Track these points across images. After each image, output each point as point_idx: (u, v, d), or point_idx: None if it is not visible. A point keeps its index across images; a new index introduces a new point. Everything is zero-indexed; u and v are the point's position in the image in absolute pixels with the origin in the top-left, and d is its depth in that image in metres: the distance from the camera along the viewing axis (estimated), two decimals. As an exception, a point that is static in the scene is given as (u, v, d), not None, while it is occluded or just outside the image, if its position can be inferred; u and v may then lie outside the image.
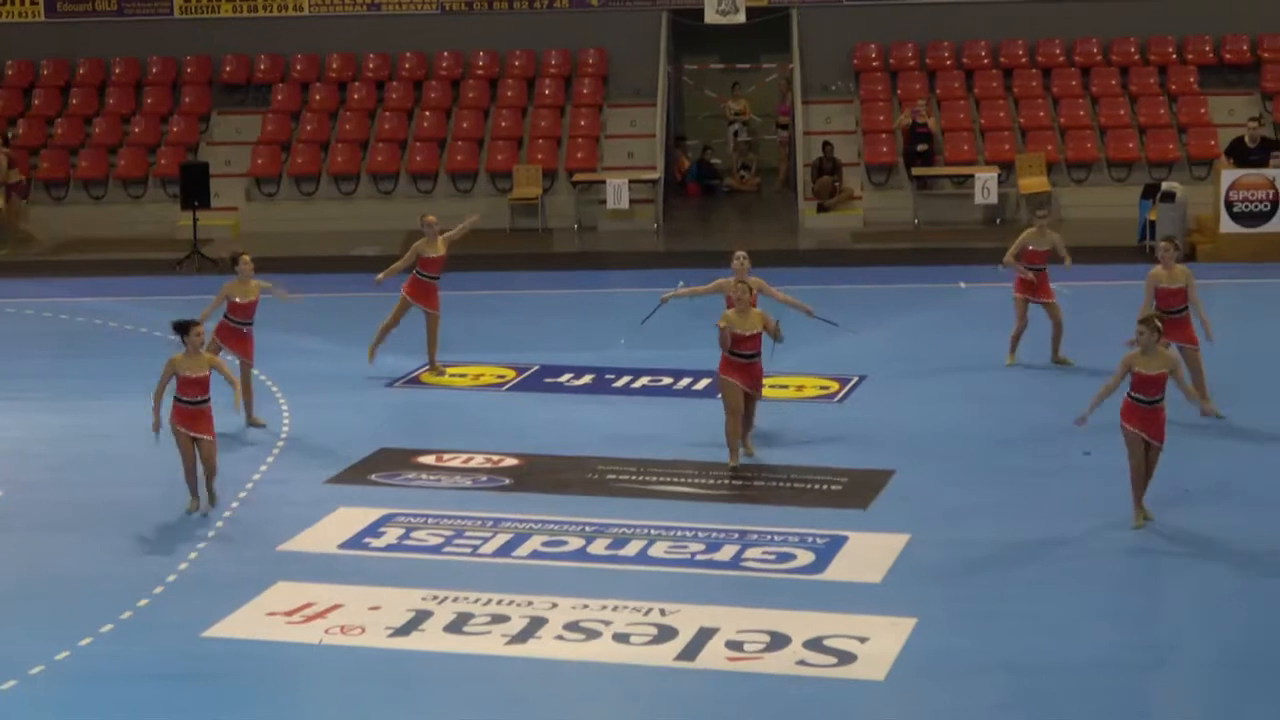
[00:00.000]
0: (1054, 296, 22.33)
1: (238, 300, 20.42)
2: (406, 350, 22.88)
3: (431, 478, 18.40)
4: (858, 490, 17.65)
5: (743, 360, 18.30)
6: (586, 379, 22.47)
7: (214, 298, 20.66)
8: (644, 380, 22.30)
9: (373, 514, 17.09)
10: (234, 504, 17.44)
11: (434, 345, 22.64)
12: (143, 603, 14.88)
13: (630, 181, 33.69)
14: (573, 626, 14.16)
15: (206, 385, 17.33)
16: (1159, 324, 16.21)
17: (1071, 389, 20.95)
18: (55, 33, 37.24)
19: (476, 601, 14.68)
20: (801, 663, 13.44)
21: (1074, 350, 22.33)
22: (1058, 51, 36.39)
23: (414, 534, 16.54)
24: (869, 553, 15.81)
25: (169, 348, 24.29)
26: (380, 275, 22.72)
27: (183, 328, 17.36)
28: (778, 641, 13.78)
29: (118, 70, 37.39)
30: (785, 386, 21.19)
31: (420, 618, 14.39)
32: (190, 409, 17.27)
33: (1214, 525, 16.19)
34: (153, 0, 37.06)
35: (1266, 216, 29.55)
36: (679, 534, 16.35)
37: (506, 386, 22.26)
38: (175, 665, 13.61)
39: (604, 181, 33.86)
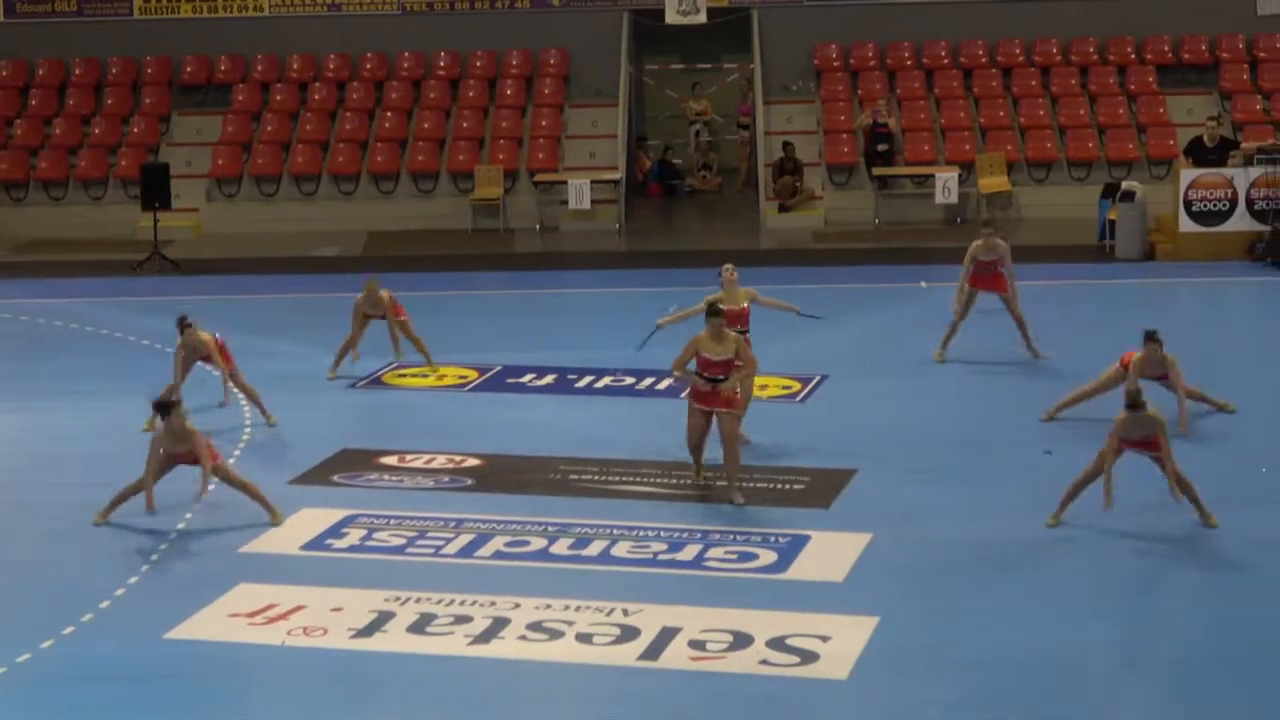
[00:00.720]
0: (1010, 292, 22.44)
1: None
2: (368, 351, 22.85)
3: (394, 478, 18.39)
4: (820, 490, 17.69)
5: (710, 384, 17.35)
6: (549, 379, 22.47)
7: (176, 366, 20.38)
8: (606, 380, 22.31)
9: (335, 515, 17.07)
10: (196, 505, 17.38)
11: (418, 343, 22.59)
12: (105, 604, 14.84)
13: (592, 182, 33.70)
14: (535, 626, 14.17)
15: (196, 457, 16.81)
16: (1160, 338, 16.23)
17: (1031, 388, 21.06)
18: (14, 33, 37.10)
19: (439, 602, 14.68)
20: (764, 662, 13.46)
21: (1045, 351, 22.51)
22: (1017, 52, 36.51)
23: (376, 535, 16.53)
24: (831, 552, 15.85)
25: (129, 349, 24.36)
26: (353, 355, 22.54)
27: (164, 409, 16.94)
28: (740, 641, 13.80)
29: (77, 71, 37.25)
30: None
31: (383, 619, 14.38)
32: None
33: (1176, 525, 16.24)
34: (112, 1, 36.96)
35: (1225, 216, 29.67)
36: (642, 534, 16.37)
37: (469, 387, 22.25)
38: (138, 667, 13.58)
39: (565, 182, 33.86)
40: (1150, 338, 18.19)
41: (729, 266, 19.52)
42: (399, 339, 22.52)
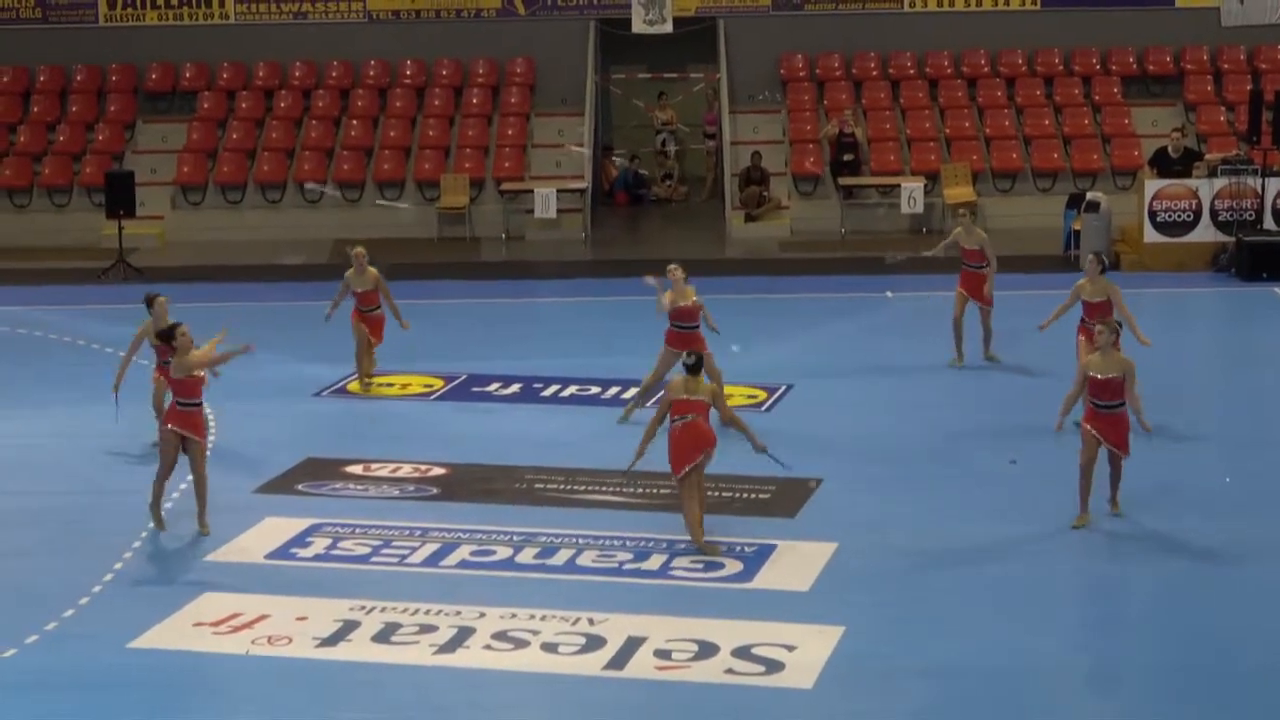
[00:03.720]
0: (990, 302, 22.56)
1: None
2: (333, 360, 22.81)
3: (359, 487, 18.36)
4: (785, 499, 17.71)
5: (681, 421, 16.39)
6: (514, 388, 22.46)
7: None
8: (572, 389, 22.31)
9: (300, 524, 17.04)
10: (161, 514, 17.34)
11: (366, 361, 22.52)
12: (69, 613, 14.80)
13: (558, 191, 33.68)
14: (501, 636, 14.16)
15: (200, 387, 17.06)
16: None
17: (997, 396, 21.13)
18: (-22, 40, 37.00)
19: (404, 611, 14.66)
20: (730, 671, 13.48)
21: (1001, 356, 22.57)
22: (982, 62, 36.59)
23: (341, 544, 16.51)
24: (797, 561, 15.87)
25: (93, 356, 24.28)
26: (328, 310, 22.53)
27: (167, 334, 17.30)
28: (706, 650, 13.81)
29: (42, 78, 37.10)
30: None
31: (348, 628, 14.36)
32: (185, 411, 16.94)
33: (1144, 530, 16.33)
34: (78, 7, 36.85)
35: (1189, 226, 29.77)
36: (607, 543, 16.37)
37: (434, 396, 22.23)
38: (102, 676, 13.55)
39: (531, 191, 33.84)
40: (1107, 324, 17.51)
41: (674, 266, 20.36)
42: (397, 310, 22.39)
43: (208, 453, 17.14)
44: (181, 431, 16.84)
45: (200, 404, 17.13)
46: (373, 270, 22.32)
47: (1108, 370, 16.25)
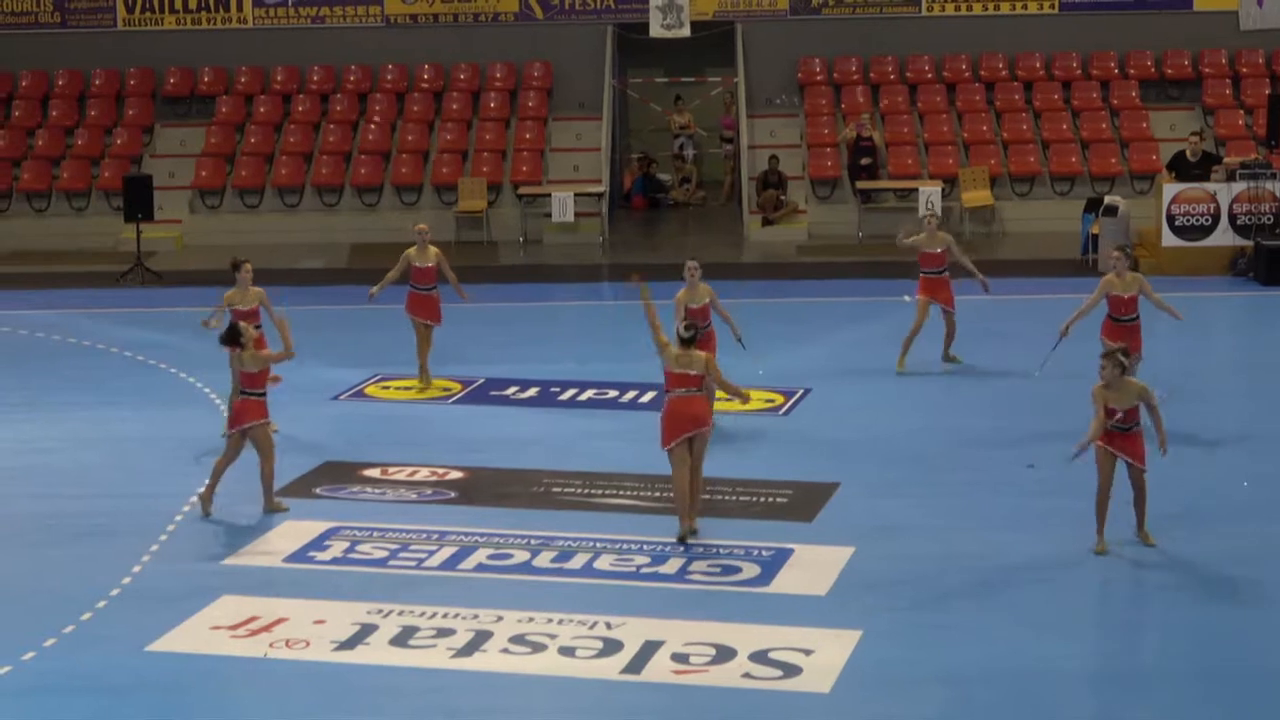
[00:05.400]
0: (953, 305, 22.52)
1: (240, 308, 20.40)
2: (351, 363, 22.83)
3: (377, 491, 18.37)
4: (803, 503, 17.69)
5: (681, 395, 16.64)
6: (532, 392, 22.47)
7: (214, 306, 20.52)
8: (589, 393, 22.32)
9: (318, 527, 17.05)
10: (178, 517, 17.38)
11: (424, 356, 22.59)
12: (86, 616, 14.81)
13: (575, 194, 33.69)
14: (518, 639, 14.16)
15: (264, 380, 17.75)
16: (1121, 358, 15.97)
17: (1014, 400, 21.10)
18: (-3, 44, 37.09)
19: (422, 615, 14.66)
20: (747, 675, 13.47)
21: (1014, 362, 22.48)
22: (1000, 66, 36.56)
23: (359, 547, 16.51)
24: (814, 565, 15.85)
25: (111, 359, 24.33)
26: (374, 289, 22.60)
27: (231, 336, 17.56)
28: (723, 654, 13.80)
29: (60, 82, 37.21)
30: (730, 399, 21.18)
31: (365, 631, 14.36)
32: (252, 400, 17.65)
33: (1163, 534, 16.26)
34: (96, 12, 36.93)
35: (1208, 230, 29.73)
36: (624, 547, 16.36)
37: (452, 399, 22.24)
38: (119, 679, 13.55)
39: (549, 194, 33.86)
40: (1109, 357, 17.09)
41: (693, 262, 20.08)
42: (458, 284, 22.51)
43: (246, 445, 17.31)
44: (246, 423, 17.46)
45: (264, 394, 17.71)
46: (434, 247, 22.40)
47: (1123, 402, 15.91)
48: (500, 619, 14.53)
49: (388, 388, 22.64)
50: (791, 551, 16.18)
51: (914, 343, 22.82)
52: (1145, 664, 13.97)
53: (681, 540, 16.37)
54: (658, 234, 36.74)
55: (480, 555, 16.24)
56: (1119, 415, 15.86)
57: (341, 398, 22.30)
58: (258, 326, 19.10)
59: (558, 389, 22.53)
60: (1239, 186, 29.71)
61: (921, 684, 13.32)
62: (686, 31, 35.39)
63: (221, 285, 24.31)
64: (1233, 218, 29.69)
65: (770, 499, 17.86)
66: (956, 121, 35.71)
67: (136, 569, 16.00)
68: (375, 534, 16.84)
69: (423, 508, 17.76)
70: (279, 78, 37.08)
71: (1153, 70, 36.24)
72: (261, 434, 17.51)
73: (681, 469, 16.45)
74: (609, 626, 14.35)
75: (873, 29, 36.58)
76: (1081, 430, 16.57)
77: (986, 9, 36.44)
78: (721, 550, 16.22)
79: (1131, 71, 36.21)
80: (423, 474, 18.89)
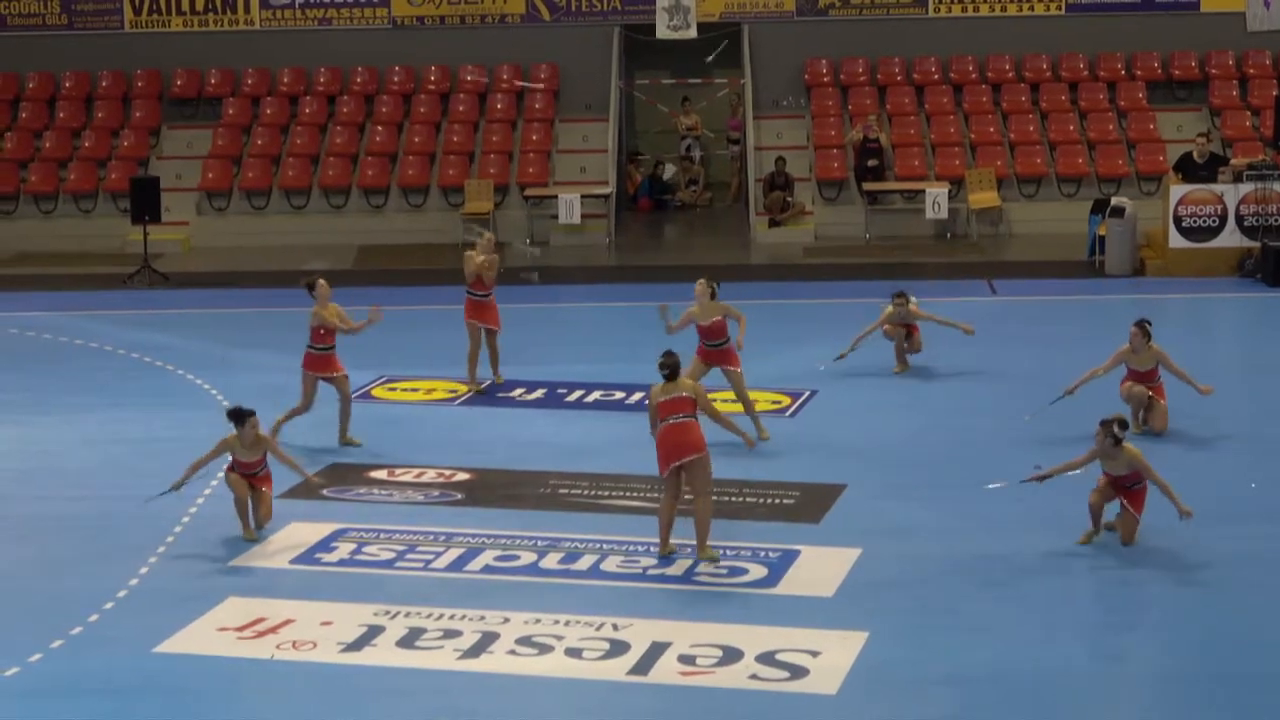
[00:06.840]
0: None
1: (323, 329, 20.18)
2: (357, 365, 22.80)
3: (383, 492, 18.38)
4: (810, 504, 17.69)
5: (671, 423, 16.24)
6: (538, 393, 22.47)
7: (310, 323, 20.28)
8: (596, 395, 22.31)
9: (325, 529, 17.06)
10: (185, 519, 17.38)
11: (494, 360, 22.66)
12: (93, 618, 14.82)
13: (582, 196, 33.69)
14: (525, 641, 14.16)
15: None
16: (1116, 431, 15.91)
17: (1022, 403, 21.04)
18: (4, 46, 37.06)
19: (428, 616, 14.66)
20: (754, 677, 13.46)
21: (1021, 364, 22.47)
22: (1007, 67, 36.56)
23: (366, 549, 16.52)
24: (821, 567, 15.84)
25: (119, 361, 24.33)
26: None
27: (238, 417, 17.05)
28: (730, 656, 13.80)
29: (67, 84, 37.25)
30: (737, 401, 21.18)
31: (372, 633, 14.36)
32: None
33: (1169, 537, 16.25)
34: (103, 14, 36.96)
35: (1215, 231, 29.71)
36: (631, 548, 16.36)
37: (459, 401, 22.24)
38: (126, 680, 13.56)
39: (556, 196, 33.86)
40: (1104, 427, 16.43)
41: (702, 281, 20.11)
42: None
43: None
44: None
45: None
46: (495, 256, 22.55)
47: (1117, 469, 16.11)
48: (507, 620, 14.53)
49: (394, 389, 22.64)
50: (798, 553, 16.18)
51: (919, 345, 22.85)
52: (1152, 666, 13.95)
53: (663, 557, 16.18)
54: (664, 236, 36.75)
55: (487, 557, 16.24)
56: (1115, 484, 16.18)
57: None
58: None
59: (564, 390, 22.53)
60: (1246, 187, 29.68)
61: (929, 685, 13.31)
62: (693, 33, 35.38)
63: (229, 288, 24.55)
64: (1240, 219, 29.66)
65: (777, 500, 17.85)
66: (963, 123, 35.71)
67: (143, 571, 16.01)
68: (382, 535, 16.84)
69: (430, 509, 17.76)
70: (286, 79, 37.10)
71: (1159, 71, 36.22)
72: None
73: (668, 498, 16.27)
74: (616, 628, 14.35)
75: (879, 30, 36.58)
76: (1085, 432, 16.59)
77: (993, 10, 36.43)
78: (728, 551, 16.20)
79: (1138, 73, 36.20)
80: (429, 475, 18.89)
